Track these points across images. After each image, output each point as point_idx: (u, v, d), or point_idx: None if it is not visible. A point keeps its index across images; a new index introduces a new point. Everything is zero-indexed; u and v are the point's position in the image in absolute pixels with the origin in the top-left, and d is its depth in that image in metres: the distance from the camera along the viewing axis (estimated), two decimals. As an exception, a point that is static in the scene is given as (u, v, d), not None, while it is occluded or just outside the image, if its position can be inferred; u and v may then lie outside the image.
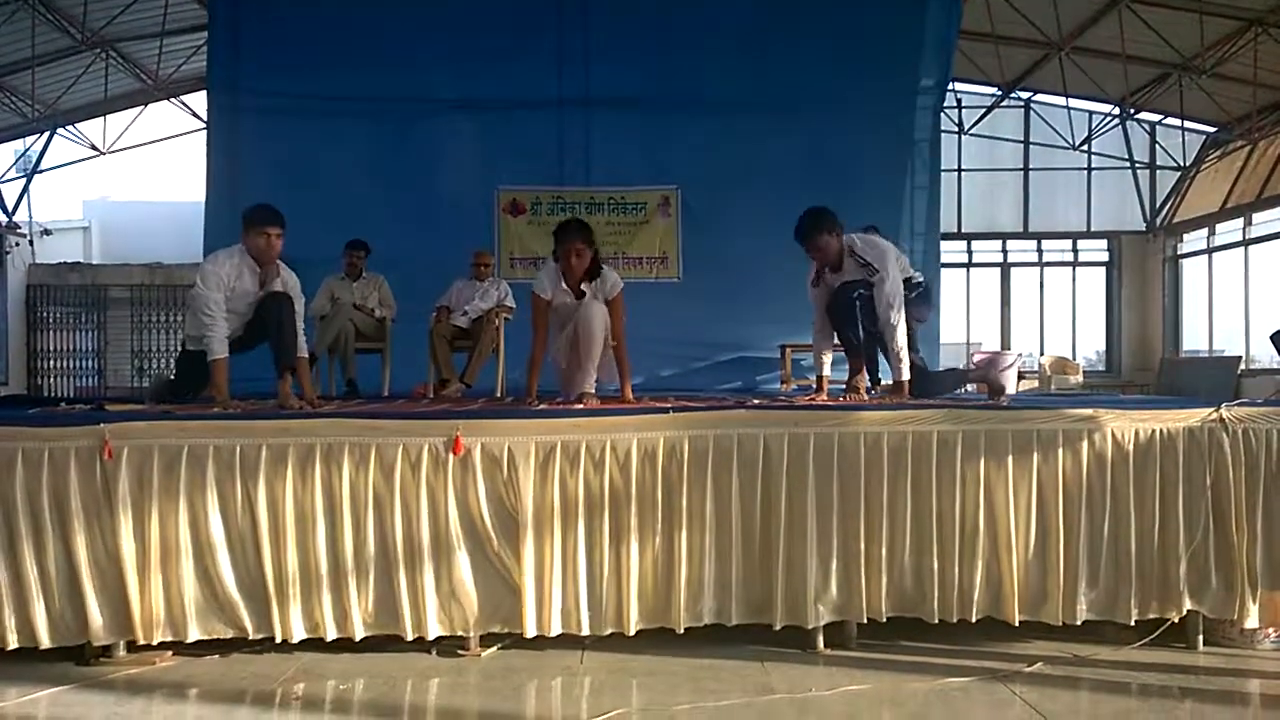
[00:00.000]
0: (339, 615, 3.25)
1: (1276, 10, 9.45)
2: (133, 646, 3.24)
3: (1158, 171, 13.79)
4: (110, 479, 3.18)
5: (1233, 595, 3.35)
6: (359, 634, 3.25)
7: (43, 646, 3.17)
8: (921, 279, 4.42)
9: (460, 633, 3.29)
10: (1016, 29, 10.92)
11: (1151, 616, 3.39)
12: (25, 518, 3.17)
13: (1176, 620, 3.39)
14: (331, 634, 3.24)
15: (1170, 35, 10.28)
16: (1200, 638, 3.41)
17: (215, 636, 3.26)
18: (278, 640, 3.25)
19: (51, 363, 13.69)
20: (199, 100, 12.57)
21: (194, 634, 3.23)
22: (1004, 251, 14.32)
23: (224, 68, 8.33)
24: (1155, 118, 13.24)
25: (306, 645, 3.28)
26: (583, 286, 4.36)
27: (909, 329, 4.35)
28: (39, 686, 3.00)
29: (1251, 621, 3.36)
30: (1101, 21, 10.41)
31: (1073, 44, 11.08)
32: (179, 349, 4.52)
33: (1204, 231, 13.10)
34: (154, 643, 3.22)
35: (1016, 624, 3.35)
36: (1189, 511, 3.37)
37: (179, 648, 3.27)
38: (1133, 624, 3.39)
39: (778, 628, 3.31)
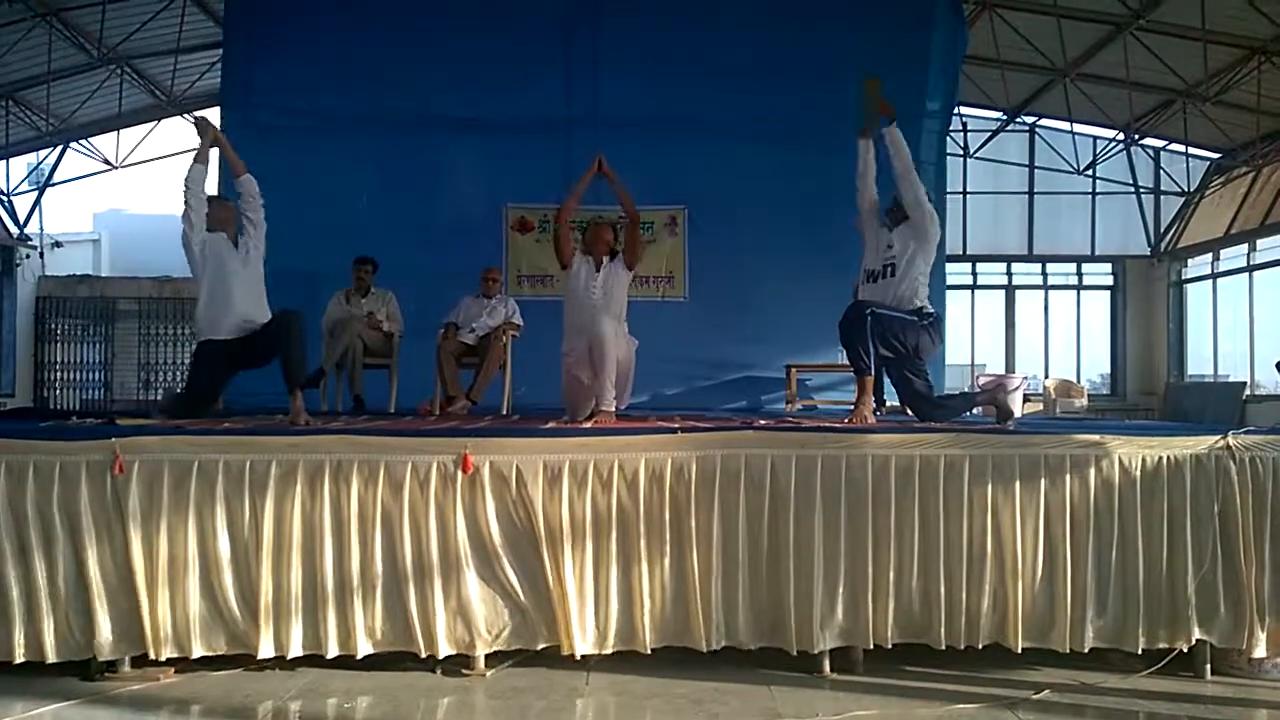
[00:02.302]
0: (344, 633, 3.25)
1: (1279, 39, 9.52)
2: (137, 662, 3.24)
3: (1162, 197, 13.83)
4: (120, 493, 3.19)
5: (1241, 624, 3.34)
6: (364, 651, 3.25)
7: (49, 661, 3.18)
8: (933, 310, 4.41)
9: (468, 652, 3.29)
10: (1022, 55, 10.99)
11: (1159, 646, 3.38)
12: (35, 531, 3.19)
13: (1185, 649, 3.38)
14: (335, 651, 3.24)
15: (1174, 63, 10.35)
16: (1208, 667, 3.40)
17: (219, 653, 3.26)
18: (283, 657, 3.25)
19: (58, 375, 13.72)
20: (211, 116, 12.64)
21: (199, 650, 3.23)
22: (1009, 274, 14.36)
23: (237, 85, 8.40)
24: (1159, 143, 13.30)
25: (310, 663, 3.28)
26: (604, 259, 4.65)
27: (918, 361, 4.35)
28: (44, 701, 3.00)
29: (1259, 651, 3.35)
30: (1106, 48, 10.47)
31: (1077, 70, 11.14)
32: (192, 358, 4.60)
33: (1208, 257, 13.12)
34: (159, 659, 3.22)
35: (1019, 650, 3.33)
36: (1196, 539, 3.36)
37: (183, 664, 3.27)
38: (1140, 652, 3.37)
39: (792, 653, 3.30)
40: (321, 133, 8.09)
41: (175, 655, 3.23)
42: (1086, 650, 3.35)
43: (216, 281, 4.26)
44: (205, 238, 4.31)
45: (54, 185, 13.43)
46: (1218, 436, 3.42)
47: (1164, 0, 9.25)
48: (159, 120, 13.23)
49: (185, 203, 4.29)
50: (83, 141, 13.12)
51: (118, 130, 13.09)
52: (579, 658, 3.27)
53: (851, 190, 4.57)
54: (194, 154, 4.42)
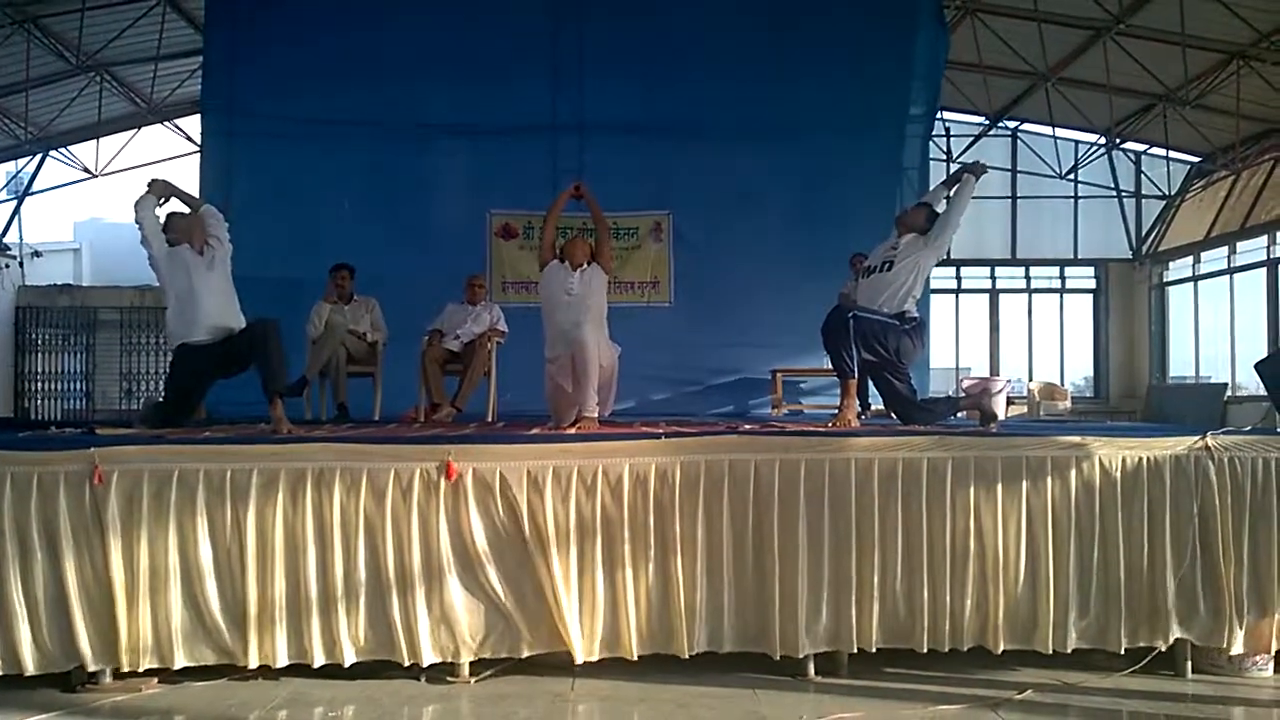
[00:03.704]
0: (328, 642, 3.23)
1: (1258, 44, 9.63)
2: (119, 673, 3.20)
3: (1143, 200, 13.95)
4: (99, 504, 3.16)
5: (1220, 623, 3.37)
6: (348, 660, 3.23)
7: (28, 673, 3.14)
8: (916, 315, 4.45)
9: (453, 659, 3.27)
10: (1003, 59, 11.07)
11: (1140, 644, 3.40)
12: (12, 543, 3.15)
13: (1164, 648, 3.40)
14: (320, 660, 3.22)
15: (1155, 67, 10.45)
16: (1189, 665, 3.42)
17: (203, 663, 3.23)
18: (268, 666, 3.22)
19: (39, 385, 13.57)
20: (192, 124, 12.61)
21: (181, 661, 3.20)
22: (992, 278, 14.44)
23: (218, 91, 8.36)
24: (1141, 147, 13.41)
25: (294, 672, 3.26)
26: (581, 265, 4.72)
27: (900, 365, 4.37)
28: (24, 714, 2.97)
29: (1238, 648, 3.38)
30: (1087, 53, 10.57)
31: (1059, 75, 11.23)
32: (169, 366, 4.59)
33: (1189, 260, 13.24)
34: (141, 670, 3.18)
35: (999, 652, 3.34)
36: (1176, 539, 3.39)
37: (166, 674, 3.24)
38: (1122, 652, 3.39)
39: (776, 657, 3.30)
40: (303, 139, 8.06)
41: (157, 666, 3.19)
42: (1069, 651, 3.36)
43: (184, 288, 4.28)
44: (167, 251, 4.34)
45: (33, 194, 13.32)
46: (1197, 437, 3.44)
47: (1144, 5, 9.35)
48: (139, 128, 13.10)
49: (139, 227, 4.37)
50: (62, 150, 12.99)
51: (97, 138, 12.98)
52: (544, 663, 3.27)
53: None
54: (146, 189, 4.45)
